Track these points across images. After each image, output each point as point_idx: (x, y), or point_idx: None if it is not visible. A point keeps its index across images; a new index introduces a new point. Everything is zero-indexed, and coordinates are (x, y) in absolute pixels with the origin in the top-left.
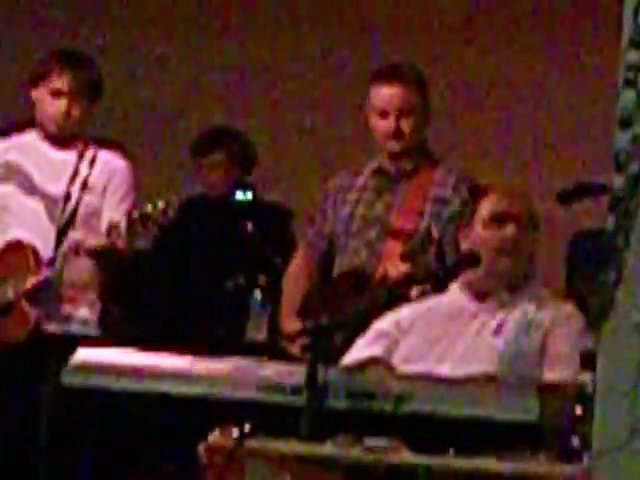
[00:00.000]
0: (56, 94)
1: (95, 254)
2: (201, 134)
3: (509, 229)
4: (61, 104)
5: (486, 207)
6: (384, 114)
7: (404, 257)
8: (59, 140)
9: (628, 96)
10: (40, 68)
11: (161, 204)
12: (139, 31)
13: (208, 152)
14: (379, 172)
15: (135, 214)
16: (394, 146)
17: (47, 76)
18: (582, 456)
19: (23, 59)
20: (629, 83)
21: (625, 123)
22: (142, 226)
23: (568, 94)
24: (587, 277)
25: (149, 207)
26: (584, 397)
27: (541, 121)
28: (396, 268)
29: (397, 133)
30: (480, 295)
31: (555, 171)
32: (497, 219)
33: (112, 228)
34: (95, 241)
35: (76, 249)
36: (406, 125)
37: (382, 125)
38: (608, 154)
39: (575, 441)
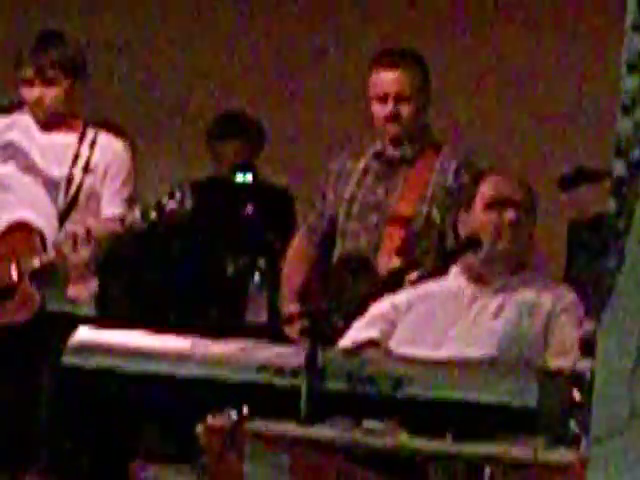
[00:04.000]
0: (27, 83)
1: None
2: (217, 119)
3: (508, 214)
4: (33, 92)
5: (486, 192)
6: (383, 99)
7: (399, 250)
8: (46, 124)
9: (631, 81)
10: (15, 58)
11: (178, 194)
12: (136, 14)
13: (224, 139)
14: (380, 157)
15: (151, 203)
16: (393, 130)
17: (18, 66)
18: (580, 441)
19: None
20: (632, 68)
21: (627, 109)
22: (157, 216)
23: (570, 79)
24: (587, 262)
25: (164, 197)
26: (583, 382)
27: (542, 106)
28: (389, 263)
29: (395, 117)
30: (479, 279)
31: (556, 156)
32: (497, 203)
33: (123, 220)
34: (107, 230)
35: (88, 237)
36: (404, 110)
37: (381, 109)
38: (609, 139)
39: (573, 426)
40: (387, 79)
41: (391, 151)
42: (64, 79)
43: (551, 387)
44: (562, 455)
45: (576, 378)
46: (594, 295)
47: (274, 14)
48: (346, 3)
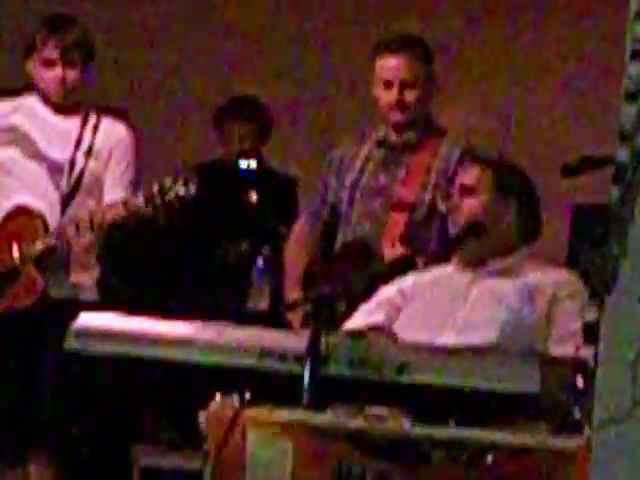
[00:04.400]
0: (48, 63)
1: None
2: (229, 100)
3: (479, 198)
4: (55, 72)
5: (458, 179)
6: (388, 85)
7: (402, 237)
8: (61, 107)
9: (635, 68)
10: (31, 39)
11: (182, 178)
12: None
13: (236, 119)
14: (383, 143)
15: (154, 187)
16: (397, 117)
17: (37, 46)
18: (583, 428)
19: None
20: (636, 56)
21: (631, 96)
22: (161, 200)
23: (573, 67)
24: (590, 249)
25: (168, 181)
26: (586, 369)
27: (545, 94)
28: (392, 250)
29: (400, 104)
30: (471, 265)
31: (559, 144)
32: (467, 191)
33: (130, 205)
34: (111, 215)
35: (91, 223)
36: (410, 96)
37: (386, 96)
38: (613, 127)
39: (576, 413)
40: (392, 65)
41: (393, 137)
42: (83, 63)
43: (554, 374)
44: (565, 442)
45: (579, 365)
46: (597, 281)
47: (287, 4)
48: None
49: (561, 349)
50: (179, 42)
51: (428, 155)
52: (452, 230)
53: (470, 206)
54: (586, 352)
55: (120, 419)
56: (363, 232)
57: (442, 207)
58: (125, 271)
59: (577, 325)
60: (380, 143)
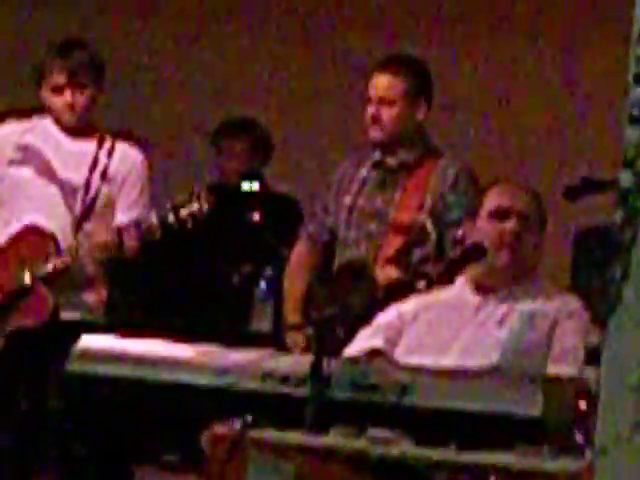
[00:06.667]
0: (57, 89)
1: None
2: (224, 123)
3: (510, 223)
4: (64, 98)
5: (489, 201)
6: (370, 101)
7: (395, 258)
8: (74, 131)
9: (638, 91)
10: (39, 67)
11: (195, 197)
12: (150, 18)
13: (230, 141)
14: (380, 165)
15: (168, 206)
16: (373, 134)
17: (45, 73)
18: (585, 452)
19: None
20: (639, 78)
21: (634, 119)
22: (175, 219)
23: (577, 89)
24: (593, 273)
25: (182, 199)
26: (588, 392)
27: (548, 115)
28: (386, 274)
29: (375, 119)
30: (484, 288)
31: (562, 166)
32: (500, 213)
33: (143, 225)
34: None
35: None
36: (386, 113)
37: (366, 112)
38: (616, 150)
39: (579, 436)
40: (374, 82)
41: (389, 159)
42: (92, 85)
43: (556, 397)
44: (567, 465)
45: (581, 388)
46: (600, 305)
47: (289, 21)
48: (353, 11)
49: (558, 368)
50: (185, 66)
51: (424, 176)
52: (452, 252)
53: (500, 230)
54: (588, 373)
55: (122, 440)
56: (359, 254)
57: (429, 227)
58: (129, 292)
59: (575, 343)
60: (377, 165)
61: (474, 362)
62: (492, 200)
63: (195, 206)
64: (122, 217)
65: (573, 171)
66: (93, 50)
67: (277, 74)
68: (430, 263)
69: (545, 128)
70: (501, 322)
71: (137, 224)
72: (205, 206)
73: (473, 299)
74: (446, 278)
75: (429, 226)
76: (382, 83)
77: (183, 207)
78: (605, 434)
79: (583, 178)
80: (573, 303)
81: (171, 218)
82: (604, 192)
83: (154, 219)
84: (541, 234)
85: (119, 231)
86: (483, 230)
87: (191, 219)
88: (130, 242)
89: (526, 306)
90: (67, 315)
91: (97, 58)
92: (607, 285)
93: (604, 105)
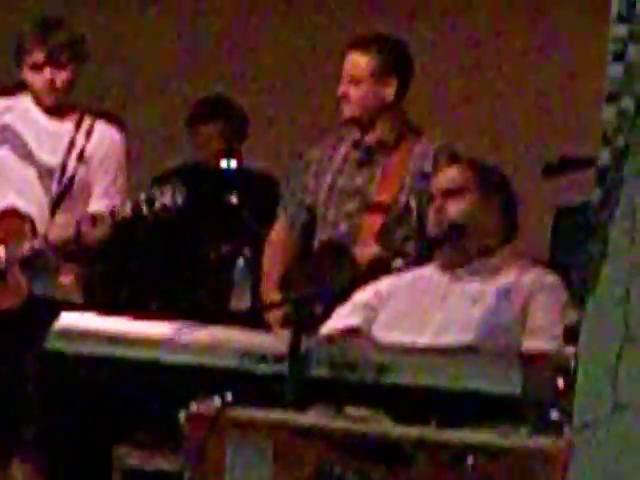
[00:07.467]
0: (36, 67)
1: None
2: (198, 103)
3: (460, 201)
4: (43, 76)
5: (439, 181)
6: (341, 80)
7: (378, 237)
8: (54, 110)
9: (616, 70)
10: (18, 45)
11: (169, 188)
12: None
13: (205, 122)
14: (359, 144)
15: (142, 197)
16: (342, 111)
17: (25, 52)
18: (564, 430)
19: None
20: (617, 57)
21: (612, 97)
22: (149, 210)
23: (555, 67)
24: (572, 250)
25: (155, 191)
26: (567, 370)
27: (527, 94)
28: (367, 250)
29: (342, 97)
30: (453, 265)
31: (541, 144)
32: (448, 194)
33: (116, 212)
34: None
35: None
36: (352, 91)
37: (338, 91)
38: (594, 128)
39: (557, 414)
40: (345, 61)
41: (367, 138)
42: (72, 63)
43: (535, 375)
44: (545, 443)
45: (560, 366)
46: (578, 283)
47: (267, 2)
48: None
49: (532, 343)
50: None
51: (404, 155)
52: (432, 231)
53: (456, 207)
54: (567, 353)
55: (101, 420)
56: (339, 233)
57: (412, 205)
58: (106, 272)
59: (550, 317)
60: (356, 144)
61: (450, 340)
62: (440, 180)
63: (169, 199)
64: (96, 204)
65: (552, 149)
66: (73, 28)
67: (255, 53)
68: (412, 241)
69: (524, 106)
70: (475, 299)
71: (111, 213)
72: (179, 198)
73: (443, 276)
74: (425, 257)
75: (412, 204)
76: (350, 61)
77: (157, 199)
78: (583, 413)
79: (562, 156)
80: (549, 277)
81: (145, 210)
82: (583, 170)
83: (128, 210)
84: (506, 206)
85: (77, 226)
86: (439, 210)
87: (165, 212)
88: (97, 233)
89: (501, 282)
90: (42, 295)
91: (77, 36)
92: (586, 263)
93: (582, 82)
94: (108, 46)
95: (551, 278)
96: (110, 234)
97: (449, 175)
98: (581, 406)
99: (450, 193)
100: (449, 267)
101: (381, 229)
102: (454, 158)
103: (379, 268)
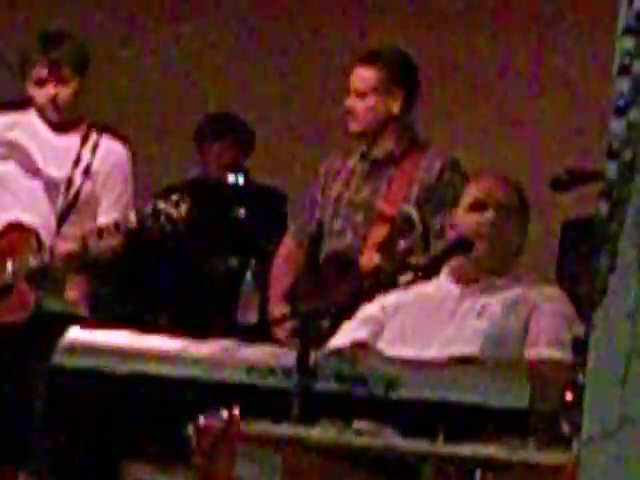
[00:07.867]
0: (39, 82)
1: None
2: (205, 120)
3: (487, 214)
4: (47, 91)
5: (468, 194)
6: (348, 94)
7: (379, 248)
8: (58, 125)
9: (623, 83)
10: (22, 60)
11: (174, 199)
12: (130, 14)
13: (214, 139)
14: (366, 156)
15: (148, 209)
16: (349, 125)
17: (29, 67)
18: (571, 443)
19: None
20: (624, 70)
21: (620, 110)
22: (155, 221)
23: (564, 81)
24: (580, 264)
25: (161, 203)
26: (575, 383)
27: (536, 107)
28: (369, 260)
29: (348, 111)
30: (465, 280)
31: (549, 157)
32: (477, 205)
33: (121, 223)
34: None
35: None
36: (359, 105)
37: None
38: (602, 141)
39: (565, 427)
40: (352, 75)
41: (375, 151)
42: (76, 78)
43: (542, 388)
44: (553, 456)
45: (568, 379)
46: (586, 297)
47: (270, 16)
48: (335, 6)
49: (533, 351)
50: (168, 59)
51: (410, 168)
52: (437, 245)
53: (478, 221)
54: (575, 366)
55: (109, 434)
56: (345, 245)
57: (414, 218)
58: (114, 286)
59: (552, 325)
60: (364, 156)
61: (456, 352)
62: (470, 192)
63: (174, 212)
64: (103, 219)
65: (559, 162)
66: (76, 42)
67: (263, 65)
68: (415, 254)
69: (531, 119)
70: (481, 312)
71: (116, 224)
72: (184, 209)
73: (454, 291)
74: (431, 271)
75: (415, 217)
76: (356, 76)
77: (162, 213)
78: (591, 426)
79: (569, 169)
80: (553, 289)
81: (150, 223)
82: (590, 183)
83: (134, 222)
84: (523, 224)
85: (83, 240)
86: (462, 222)
87: (170, 225)
88: (104, 245)
89: (507, 295)
90: (49, 309)
91: (80, 50)
92: (594, 276)
93: (589, 96)
94: (109, 58)
95: (555, 291)
96: (118, 247)
97: (477, 188)
98: (589, 419)
99: (475, 207)
100: (459, 282)
101: (384, 239)
102: (486, 174)
103: (381, 279)
